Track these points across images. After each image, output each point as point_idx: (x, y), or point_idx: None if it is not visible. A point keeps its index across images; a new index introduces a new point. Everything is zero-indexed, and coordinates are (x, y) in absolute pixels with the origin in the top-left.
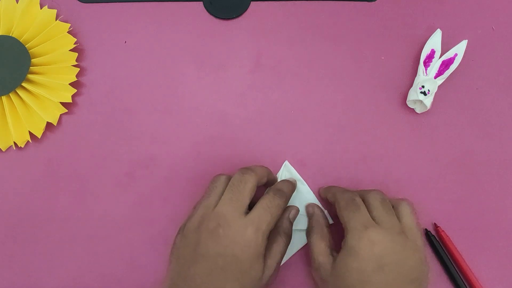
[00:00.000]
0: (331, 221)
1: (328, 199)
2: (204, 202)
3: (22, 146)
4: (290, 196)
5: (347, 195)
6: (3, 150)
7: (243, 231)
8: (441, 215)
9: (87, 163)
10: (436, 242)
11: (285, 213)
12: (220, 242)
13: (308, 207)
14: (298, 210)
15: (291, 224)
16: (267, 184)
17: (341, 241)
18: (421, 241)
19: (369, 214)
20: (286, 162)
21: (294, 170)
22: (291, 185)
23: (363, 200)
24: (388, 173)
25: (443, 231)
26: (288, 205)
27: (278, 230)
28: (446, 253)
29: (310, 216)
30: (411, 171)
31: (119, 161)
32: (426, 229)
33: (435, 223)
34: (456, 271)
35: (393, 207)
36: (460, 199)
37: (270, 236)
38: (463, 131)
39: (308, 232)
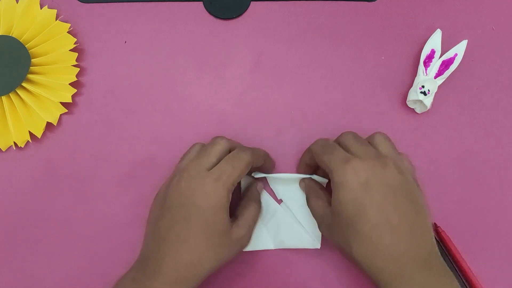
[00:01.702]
0: (325, 181)
1: (307, 162)
2: (177, 166)
3: (22, 146)
4: (261, 157)
5: (320, 142)
6: (3, 150)
7: (203, 181)
8: (441, 215)
9: (87, 163)
10: (436, 242)
11: (253, 185)
12: (182, 193)
13: (300, 183)
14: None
15: (259, 193)
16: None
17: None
18: (404, 162)
19: (346, 151)
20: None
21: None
22: (262, 150)
23: (338, 144)
24: None
25: (443, 231)
26: (278, 208)
27: (248, 198)
28: (446, 253)
29: (304, 188)
30: None
31: (119, 161)
32: None
33: (435, 223)
34: (456, 271)
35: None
36: (460, 199)
37: (242, 203)
38: (463, 131)
39: (307, 200)
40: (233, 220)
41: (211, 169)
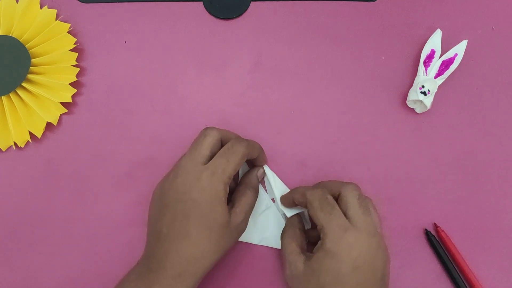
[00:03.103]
0: (308, 226)
1: (296, 202)
2: (175, 164)
3: (22, 146)
4: (256, 150)
5: (318, 194)
6: (3, 150)
7: (198, 176)
8: (441, 215)
9: (87, 163)
10: (436, 242)
11: (254, 170)
12: (179, 189)
13: (281, 198)
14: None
15: (258, 181)
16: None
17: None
18: (373, 214)
19: (345, 212)
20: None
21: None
22: (257, 143)
23: (339, 194)
24: (388, 173)
25: (443, 231)
26: (272, 205)
27: (246, 185)
28: (446, 253)
29: (286, 205)
30: (411, 171)
31: (119, 161)
32: (426, 229)
33: (435, 223)
34: (456, 271)
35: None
36: (460, 199)
37: (239, 190)
38: (463, 131)
39: (282, 234)
40: (230, 206)
41: (205, 162)
